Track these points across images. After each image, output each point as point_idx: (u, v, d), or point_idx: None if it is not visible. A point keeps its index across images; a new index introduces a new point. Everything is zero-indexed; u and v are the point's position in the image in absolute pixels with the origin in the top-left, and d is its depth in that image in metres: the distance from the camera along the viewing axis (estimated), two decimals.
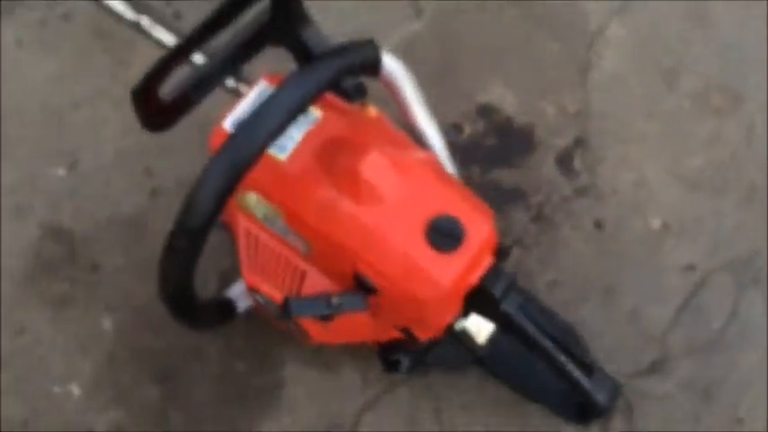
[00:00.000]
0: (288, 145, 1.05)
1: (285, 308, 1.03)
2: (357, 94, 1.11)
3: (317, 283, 1.09)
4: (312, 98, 0.96)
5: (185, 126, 1.04)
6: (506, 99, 1.47)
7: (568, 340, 1.17)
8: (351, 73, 1.01)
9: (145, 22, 1.49)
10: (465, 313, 1.08)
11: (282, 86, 0.94)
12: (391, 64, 1.04)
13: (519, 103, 1.47)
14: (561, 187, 1.40)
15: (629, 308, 1.31)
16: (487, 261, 1.03)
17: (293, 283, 1.11)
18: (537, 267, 1.34)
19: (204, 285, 1.26)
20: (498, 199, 1.39)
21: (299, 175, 1.03)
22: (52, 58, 1.48)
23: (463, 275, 1.01)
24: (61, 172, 1.40)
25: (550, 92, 1.47)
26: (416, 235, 0.99)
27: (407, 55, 1.48)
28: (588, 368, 1.11)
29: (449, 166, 1.13)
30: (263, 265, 1.13)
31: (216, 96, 1.06)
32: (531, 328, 1.06)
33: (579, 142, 1.43)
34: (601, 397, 1.13)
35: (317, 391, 1.26)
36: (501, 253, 1.08)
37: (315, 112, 1.07)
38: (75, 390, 1.27)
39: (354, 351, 1.25)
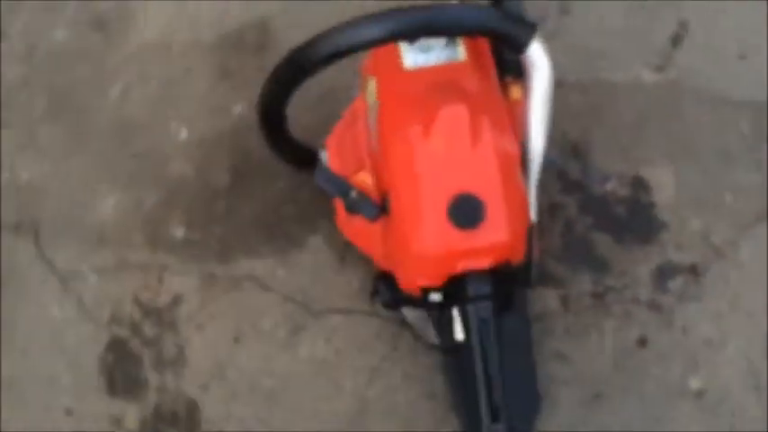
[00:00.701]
0: (420, 61, 1.13)
1: (316, 169, 1.14)
2: (511, 71, 1.16)
3: (365, 180, 1.19)
4: (457, 29, 1.03)
5: None
6: (667, 188, 1.41)
7: (514, 391, 1.16)
8: (500, 37, 1.06)
9: None
10: (445, 296, 1.12)
11: (450, 5, 1.02)
12: (538, 54, 1.06)
13: (673, 199, 1.39)
14: (641, 291, 1.33)
15: (607, 422, 1.26)
16: (485, 262, 1.05)
17: (351, 167, 1.21)
18: (560, 335, 1.31)
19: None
20: (581, 258, 1.36)
21: (406, 87, 1.12)
22: None
23: (451, 256, 1.04)
24: None
25: (712, 213, 1.38)
26: (442, 195, 1.04)
27: (621, 91, 1.49)
28: (495, 414, 1.10)
29: (531, 175, 1.14)
30: (345, 137, 1.24)
31: None
32: (475, 342, 1.07)
33: (694, 270, 1.34)
34: None
35: (319, 274, 1.37)
36: (512, 273, 1.10)
37: (462, 54, 1.13)
38: (184, 133, 1.50)
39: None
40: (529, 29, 1.04)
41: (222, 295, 1.37)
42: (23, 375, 1.33)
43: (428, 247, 1.04)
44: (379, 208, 1.12)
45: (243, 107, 1.51)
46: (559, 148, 1.46)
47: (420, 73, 1.12)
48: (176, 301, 1.37)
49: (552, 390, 1.26)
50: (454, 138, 1.05)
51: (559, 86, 1.52)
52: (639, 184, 1.42)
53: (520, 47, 1.05)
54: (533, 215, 1.17)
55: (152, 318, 1.35)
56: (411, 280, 1.13)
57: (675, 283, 1.34)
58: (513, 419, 1.16)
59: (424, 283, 1.12)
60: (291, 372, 1.31)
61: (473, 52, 1.13)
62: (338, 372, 1.30)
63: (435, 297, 1.14)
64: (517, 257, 1.10)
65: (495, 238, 1.04)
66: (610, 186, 1.42)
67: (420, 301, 1.17)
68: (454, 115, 1.05)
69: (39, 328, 1.36)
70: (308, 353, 1.32)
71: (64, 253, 1.41)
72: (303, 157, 1.33)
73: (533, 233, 1.20)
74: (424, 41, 1.14)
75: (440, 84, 1.11)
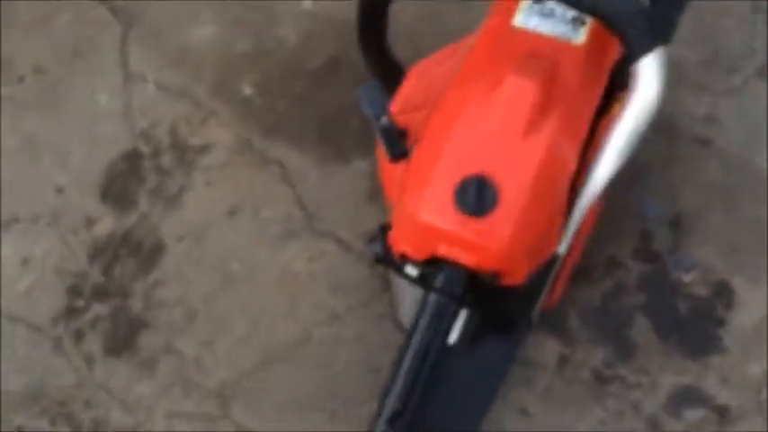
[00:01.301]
0: (532, 23, 0.97)
1: (365, 84, 1.02)
2: (617, 86, 0.98)
3: (416, 119, 1.06)
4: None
5: None
6: (751, 313, 1.16)
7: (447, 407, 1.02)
8: (618, 30, 0.87)
9: None
10: (421, 274, 0.98)
11: None
12: (649, 72, 0.86)
13: (751, 329, 1.14)
14: (650, 400, 1.11)
15: None
16: (468, 259, 0.90)
17: (416, 102, 1.08)
18: (537, 392, 1.13)
19: None
20: (608, 330, 1.16)
21: (503, 43, 0.96)
22: None
23: (436, 233, 0.90)
24: None
25: None
26: (462, 168, 0.89)
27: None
28: (393, 418, 0.95)
29: (580, 203, 0.95)
30: (431, 71, 1.11)
31: None
32: (417, 334, 0.93)
33: (724, 412, 1.09)
34: None
35: (343, 197, 1.27)
36: (504, 292, 0.94)
37: (581, 38, 0.95)
38: (308, 2, 1.42)
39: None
40: (654, 38, 0.85)
41: (246, 166, 1.30)
42: (44, 136, 1.34)
43: (419, 212, 0.91)
44: (403, 150, 0.98)
45: None
46: (663, 208, 1.24)
47: (524, 35, 0.96)
48: (205, 148, 1.31)
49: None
50: (509, 115, 0.89)
51: (705, 145, 1.30)
52: (724, 293, 1.18)
53: (634, 53, 0.86)
54: (562, 247, 0.99)
55: (176, 151, 1.31)
56: (397, 241, 1.00)
57: (693, 415, 1.10)
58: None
59: (405, 249, 0.98)
60: (261, 270, 1.22)
61: (596, 44, 0.95)
62: (302, 296, 1.20)
63: (411, 270, 1.00)
64: (514, 277, 0.94)
65: (488, 240, 0.88)
66: (689, 277, 1.19)
67: (399, 268, 1.05)
68: (521, 91, 0.89)
69: (82, 105, 1.35)
70: (286, 261, 1.23)
71: (141, 54, 1.39)
72: (390, 74, 1.21)
73: (553, 266, 1.03)
74: (550, 5, 0.97)
75: (535, 54, 0.94)
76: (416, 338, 0.95)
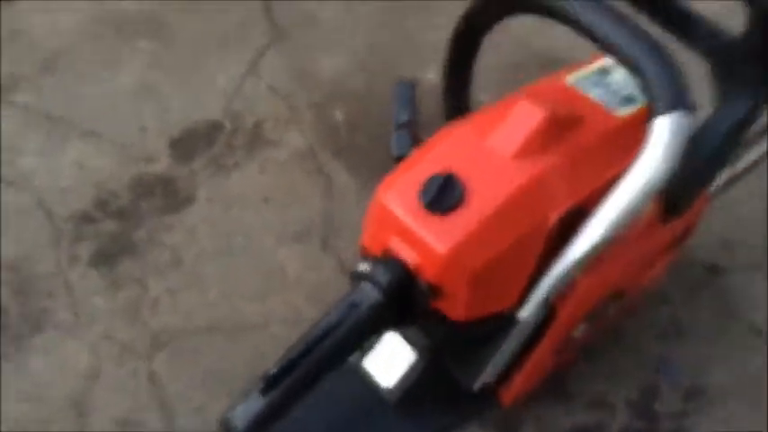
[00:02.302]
0: (583, 86, 0.94)
1: (402, 82, 1.03)
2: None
3: None
4: (615, 48, 0.82)
5: None
6: None
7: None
8: (644, 85, 0.80)
9: None
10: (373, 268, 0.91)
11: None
12: (660, 134, 0.78)
13: None
14: None
15: None
16: (409, 255, 0.85)
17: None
18: None
19: None
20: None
21: (549, 90, 0.95)
22: None
23: (390, 224, 0.86)
24: None
25: None
26: (440, 164, 0.85)
27: None
28: (268, 384, 0.85)
29: (555, 267, 0.85)
30: None
31: None
32: (332, 315, 0.86)
33: None
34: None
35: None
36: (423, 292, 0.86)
37: (622, 114, 0.91)
38: (432, 73, 1.49)
39: None
40: (677, 101, 0.78)
41: (299, 170, 1.33)
42: (159, 87, 1.47)
43: (383, 195, 0.89)
44: (405, 152, 0.96)
45: None
46: (685, 374, 1.08)
47: (570, 91, 0.95)
48: (276, 144, 1.37)
49: None
50: (508, 132, 0.86)
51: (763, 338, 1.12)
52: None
53: (653, 110, 0.79)
54: (525, 311, 0.88)
55: (251, 137, 1.38)
56: (363, 233, 0.96)
57: None
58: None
59: (365, 240, 0.94)
60: (259, 255, 1.22)
61: (636, 125, 0.89)
62: (280, 292, 1.17)
63: (363, 267, 0.93)
64: (452, 305, 0.86)
65: (436, 239, 0.83)
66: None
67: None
68: (528, 115, 0.86)
69: (202, 78, 1.48)
70: (284, 258, 1.21)
71: (271, 58, 1.50)
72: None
73: (507, 330, 0.91)
74: (611, 78, 0.95)
75: (568, 103, 0.91)
76: (327, 319, 0.88)
